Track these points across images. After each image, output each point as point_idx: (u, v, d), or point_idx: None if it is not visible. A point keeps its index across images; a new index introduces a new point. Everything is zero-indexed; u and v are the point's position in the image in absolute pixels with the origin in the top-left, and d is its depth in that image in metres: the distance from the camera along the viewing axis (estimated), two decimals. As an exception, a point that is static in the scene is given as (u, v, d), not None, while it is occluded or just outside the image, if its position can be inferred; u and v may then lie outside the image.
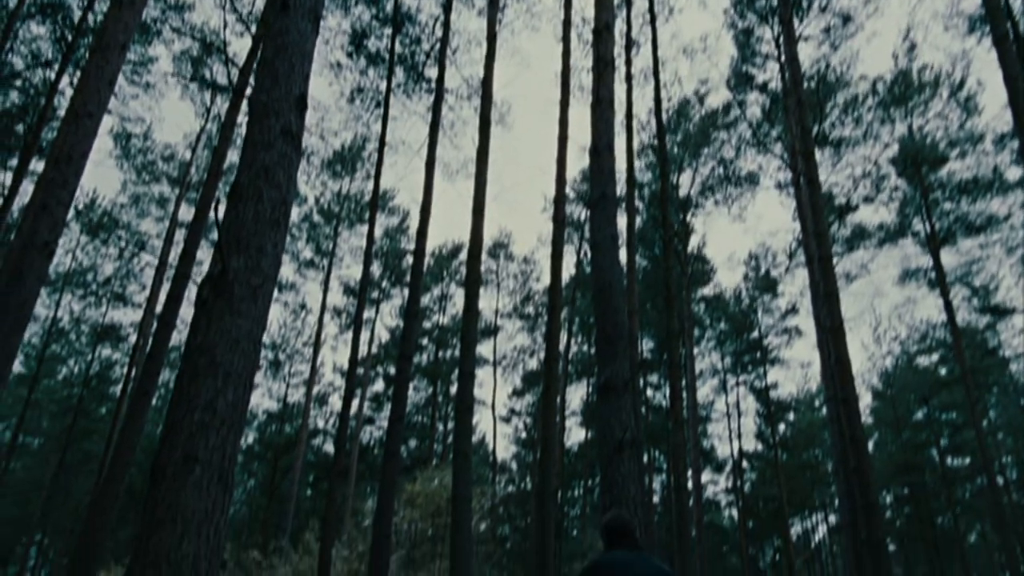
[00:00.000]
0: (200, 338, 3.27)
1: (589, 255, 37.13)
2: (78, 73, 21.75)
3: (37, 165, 24.24)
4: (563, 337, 33.11)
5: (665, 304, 13.26)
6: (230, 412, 3.18)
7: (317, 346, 32.19)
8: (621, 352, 6.62)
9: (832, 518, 45.43)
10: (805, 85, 20.96)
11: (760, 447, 43.74)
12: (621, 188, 24.29)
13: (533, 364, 40.56)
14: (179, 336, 36.97)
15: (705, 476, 44.32)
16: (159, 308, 26.58)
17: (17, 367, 39.38)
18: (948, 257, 40.28)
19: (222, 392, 3.18)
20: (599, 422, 6.38)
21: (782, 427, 43.19)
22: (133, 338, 36.56)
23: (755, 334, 40.31)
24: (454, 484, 11.60)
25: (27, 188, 29.75)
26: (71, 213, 33.16)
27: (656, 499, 40.32)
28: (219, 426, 3.11)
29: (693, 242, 34.30)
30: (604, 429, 6.26)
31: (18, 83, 23.05)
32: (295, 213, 35.99)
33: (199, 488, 2.98)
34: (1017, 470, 41.53)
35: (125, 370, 36.09)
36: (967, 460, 40.91)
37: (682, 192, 31.16)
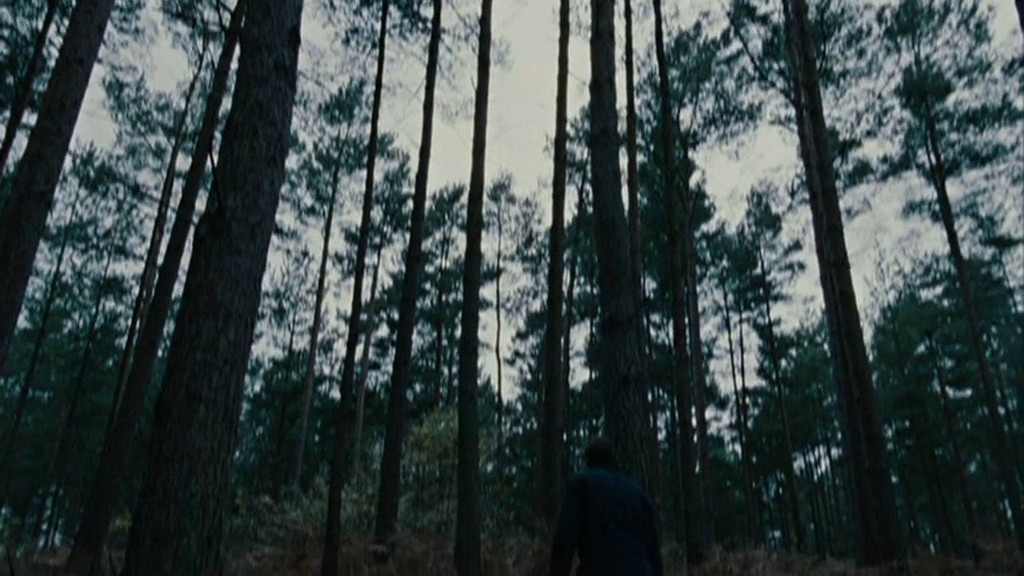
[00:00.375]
0: (199, 278, 3.23)
1: (591, 194, 36.88)
2: (66, 21, 21.30)
3: (30, 118, 23.90)
4: (566, 278, 33.11)
5: (668, 241, 13.18)
6: (232, 351, 3.15)
7: (320, 293, 32.23)
8: (625, 287, 6.58)
9: (834, 452, 46.05)
10: (808, 15, 20.50)
11: (763, 383, 44.10)
12: (621, 125, 23.96)
13: (536, 306, 40.68)
14: (181, 287, 37.02)
15: (708, 413, 44.82)
16: (160, 260, 26.51)
17: (23, 322, 39.55)
18: (952, 189, 39.85)
19: (223, 332, 3.15)
20: (604, 357, 6.37)
21: (784, 363, 43.47)
22: (136, 290, 36.62)
23: (757, 271, 40.29)
24: (460, 425, 11.69)
25: (21, 142, 29.43)
26: (69, 166, 32.92)
27: (660, 436, 40.85)
28: (222, 365, 3.09)
29: (694, 179, 34.03)
30: (609, 364, 6.25)
31: (5, 33, 22.61)
32: (294, 160, 35.68)
33: (204, 427, 2.97)
34: (1018, 400, 41.90)
35: (129, 322, 36.30)
36: (968, 392, 41.25)
37: (683, 128, 30.77)
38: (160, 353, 26.75)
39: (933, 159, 28.42)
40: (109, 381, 38.42)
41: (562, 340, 30.62)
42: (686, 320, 24.65)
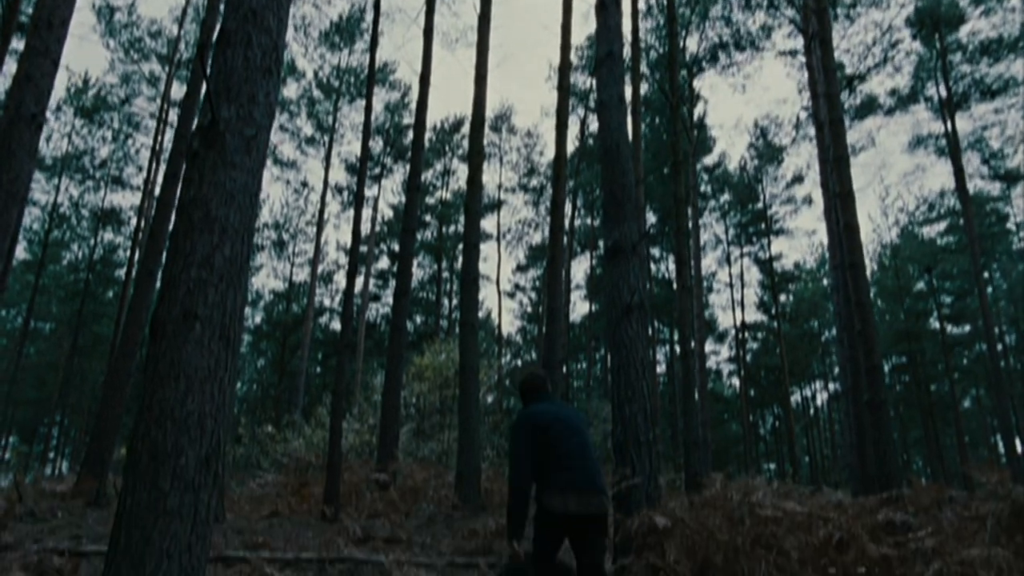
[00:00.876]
0: (193, 192, 3.09)
1: (594, 123, 36.31)
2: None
3: (19, 44, 23.31)
4: (567, 209, 32.85)
5: (672, 170, 12.96)
6: (228, 268, 3.03)
7: (320, 224, 32.02)
8: (629, 213, 6.44)
9: (831, 386, 46.51)
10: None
11: (762, 317, 44.23)
12: (626, 52, 23.39)
13: (537, 238, 40.51)
14: (181, 218, 36.69)
15: (708, 346, 45.07)
16: (157, 190, 26.23)
17: (22, 253, 39.43)
18: (960, 123, 39.23)
19: (219, 248, 3.03)
20: (607, 285, 6.28)
21: (784, 298, 43.52)
22: (134, 221, 36.36)
23: (759, 205, 40.02)
24: (461, 355, 11.69)
25: (10, 69, 28.78)
26: (63, 95, 32.33)
27: (659, 369, 41.19)
28: (217, 282, 2.98)
29: (697, 111, 33.44)
30: (612, 292, 6.16)
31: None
32: (293, 89, 35.01)
33: (200, 345, 2.88)
34: (1015, 336, 42.11)
35: (128, 253, 36.16)
36: (966, 328, 41.43)
37: (688, 55, 30.08)
38: (159, 284, 26.77)
39: (943, 92, 27.89)
40: (110, 312, 38.51)
41: (563, 272, 30.56)
42: (688, 251, 24.54)
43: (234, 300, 3.06)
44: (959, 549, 6.07)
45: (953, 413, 40.50)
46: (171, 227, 3.08)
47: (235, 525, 8.11)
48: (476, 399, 11.47)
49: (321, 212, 32.23)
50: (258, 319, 41.69)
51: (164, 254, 15.75)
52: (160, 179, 26.30)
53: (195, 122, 14.70)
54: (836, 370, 43.85)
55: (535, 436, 4.10)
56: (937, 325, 40.67)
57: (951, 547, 6.07)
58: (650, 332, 38.10)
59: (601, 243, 38.90)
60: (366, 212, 35.76)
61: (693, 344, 23.88)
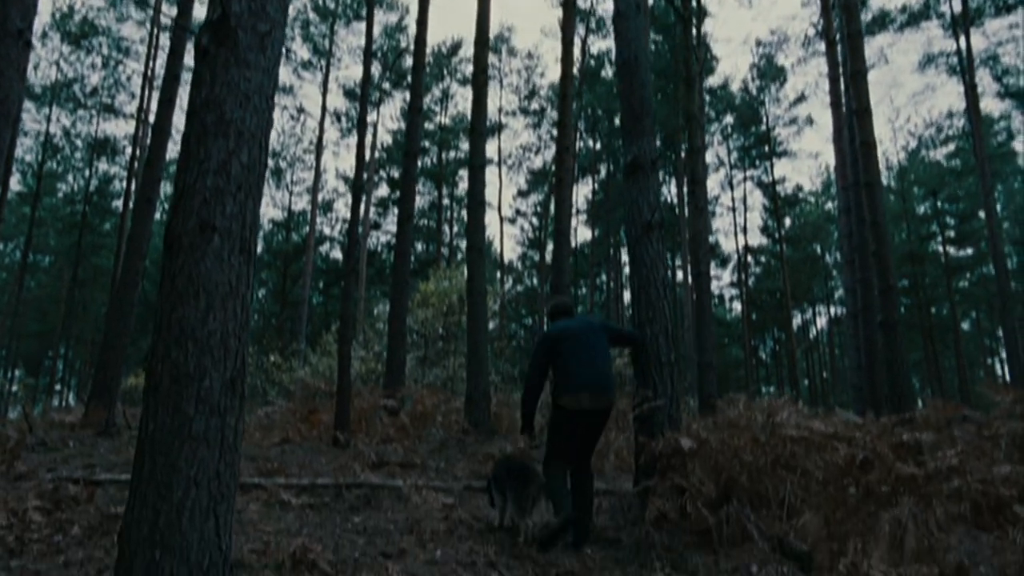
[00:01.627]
0: (205, 93, 2.82)
1: (597, 43, 35.33)
2: None
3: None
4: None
5: (685, 85, 12.57)
6: (246, 176, 2.80)
7: (319, 152, 31.49)
8: (648, 128, 6.17)
9: (832, 309, 46.59)
10: None
11: (765, 241, 44.02)
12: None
13: (539, 162, 39.92)
14: (176, 144, 36.13)
15: (711, 271, 44.94)
16: (151, 118, 25.63)
17: (16, 184, 38.88)
18: (973, 39, 38.20)
19: (235, 154, 2.79)
20: (626, 203, 6.06)
21: (788, 221, 43.21)
22: (129, 151, 35.75)
23: (762, 127, 39.36)
24: (468, 279, 11.54)
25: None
26: (48, 20, 31.34)
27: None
28: (235, 191, 2.75)
29: (704, 28, 32.44)
30: (632, 210, 5.95)
31: None
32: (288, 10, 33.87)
33: (220, 259, 2.69)
34: (1017, 259, 42.00)
35: (125, 183, 35.64)
36: (968, 251, 41.28)
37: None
38: (158, 216, 26.18)
39: (957, 7, 26.99)
40: (109, 244, 38.24)
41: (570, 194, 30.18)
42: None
43: (254, 211, 2.84)
44: (980, 467, 6.03)
45: (953, 335, 40.70)
46: (183, 132, 2.84)
47: (247, 452, 8.07)
48: (485, 323, 11.38)
49: (319, 139, 31.64)
50: (258, 249, 41.42)
51: (161, 183, 15.43)
52: (154, 106, 25.69)
53: (187, 47, 14.17)
54: (837, 293, 43.88)
55: (550, 347, 5.00)
56: (940, 248, 40.53)
57: (972, 465, 6.02)
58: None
59: (603, 167, 38.38)
60: (366, 138, 35.10)
61: (708, 271, 23.72)
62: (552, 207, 18.89)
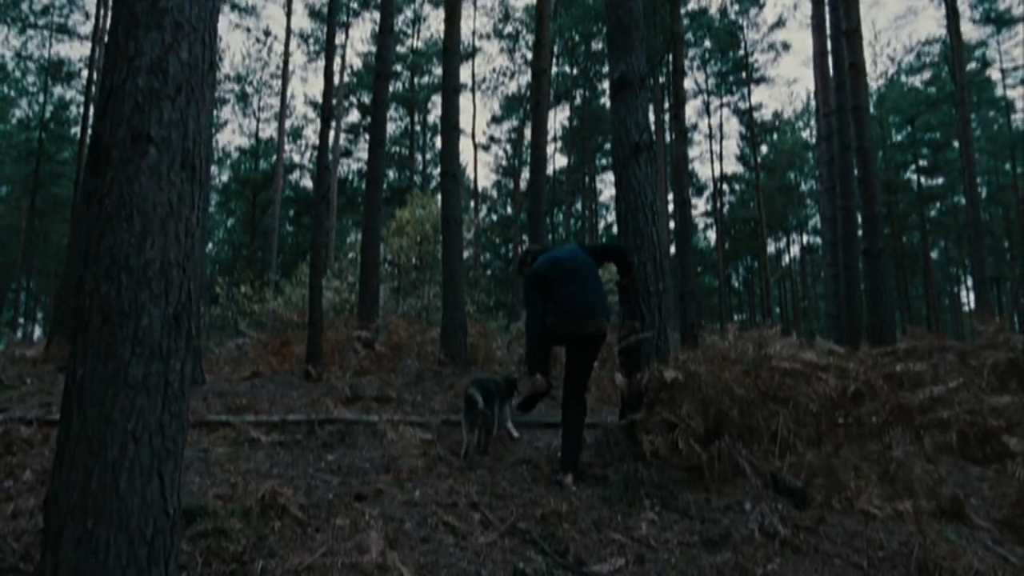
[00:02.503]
0: (131, -29, 2.36)
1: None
2: None
3: None
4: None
5: (670, 2, 12.02)
6: (188, 76, 2.36)
7: (285, 76, 30.35)
8: (636, 42, 5.76)
9: (806, 238, 46.75)
10: None
11: (741, 169, 43.75)
12: None
13: (513, 87, 38.95)
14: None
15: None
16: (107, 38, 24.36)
17: (-35, 110, 37.26)
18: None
19: (173, 49, 2.38)
20: (613, 123, 5.69)
21: (764, 149, 42.89)
22: (85, 74, 34.22)
23: (740, 52, 38.63)
24: (443, 205, 11.14)
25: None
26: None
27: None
28: (174, 95, 2.34)
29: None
30: (618, 131, 5.58)
31: None
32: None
33: (157, 176, 2.31)
34: (987, 189, 42.21)
35: (82, 109, 34.27)
36: (940, 180, 41.40)
37: None
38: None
39: (943, -76, 26.25)
40: (68, 172, 36.98)
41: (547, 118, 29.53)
42: (667, 104, 23.56)
43: (197, 119, 2.40)
44: (968, 398, 5.91)
45: (922, 264, 41.14)
46: (110, 22, 2.39)
47: (215, 388, 7.78)
48: (460, 252, 11.04)
49: (285, 63, 30.46)
50: (225, 177, 40.37)
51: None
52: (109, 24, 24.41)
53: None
54: (812, 221, 43.96)
55: (540, 281, 4.80)
56: (913, 177, 40.57)
57: (960, 396, 5.90)
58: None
59: (579, 93, 37.57)
60: (335, 62, 33.88)
61: (671, 196, 23.39)
62: (528, 133, 18.38)
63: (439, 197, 26.40)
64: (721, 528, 3.83)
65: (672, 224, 25.42)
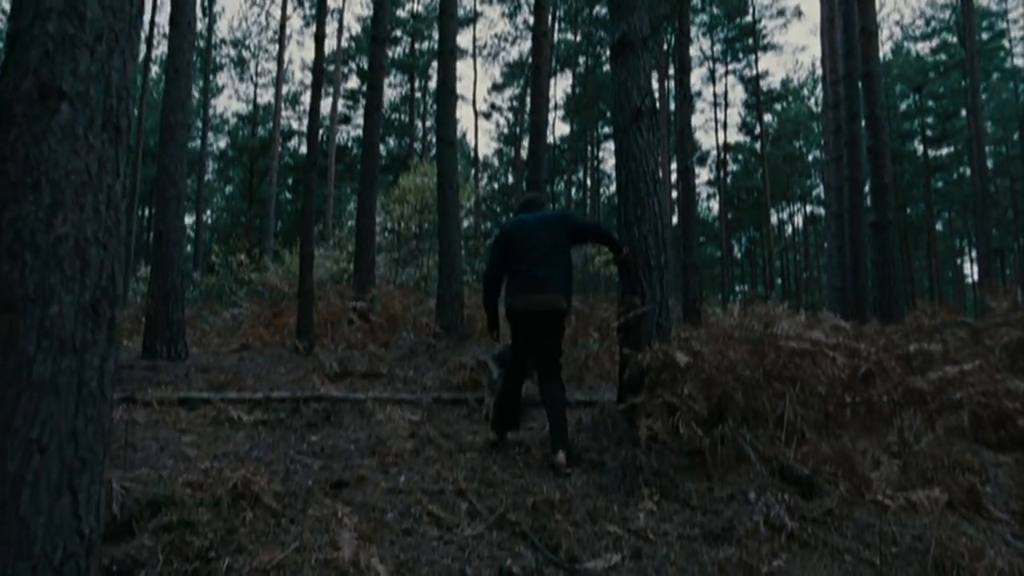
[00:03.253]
0: None
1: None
2: None
3: None
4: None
5: (676, -37, 11.56)
6: (111, 21, 1.99)
7: (282, 41, 29.79)
8: (639, 2, 5.41)
9: (810, 209, 46.29)
10: None
11: (745, 138, 43.19)
12: None
13: (515, 53, 38.31)
14: None
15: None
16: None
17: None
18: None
19: (92, -15, 2.01)
20: (614, 87, 5.37)
21: (769, 117, 42.28)
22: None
23: (748, 18, 37.93)
24: (439, 173, 10.82)
25: None
26: None
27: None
28: (93, 43, 2.00)
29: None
30: (619, 94, 5.26)
31: None
32: None
33: (72, 136, 1.95)
34: (994, 160, 41.65)
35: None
36: (946, 150, 40.85)
37: None
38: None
39: None
40: None
41: (548, 84, 29.02)
42: (671, 70, 23.06)
43: (123, 71, 2.06)
44: (983, 379, 5.65)
45: (927, 236, 40.73)
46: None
47: (200, 362, 7.53)
48: (457, 221, 10.75)
49: (282, 27, 29.86)
50: (223, 144, 39.85)
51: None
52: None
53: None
54: (817, 191, 43.48)
55: (503, 242, 4.79)
56: (919, 147, 40.03)
57: (975, 377, 5.64)
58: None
59: (582, 60, 36.92)
60: (331, 27, 33.29)
61: (673, 165, 22.96)
62: (528, 100, 17.94)
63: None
64: (724, 520, 3.60)
65: (675, 194, 25.04)
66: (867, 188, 11.67)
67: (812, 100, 42.78)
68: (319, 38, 9.27)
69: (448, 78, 11.00)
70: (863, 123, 11.39)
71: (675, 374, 4.44)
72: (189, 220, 30.17)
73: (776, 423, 4.45)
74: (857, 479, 4.03)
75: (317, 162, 8.87)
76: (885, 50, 41.05)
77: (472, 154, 37.73)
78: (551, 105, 32.74)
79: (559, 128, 46.74)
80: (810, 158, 43.41)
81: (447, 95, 10.90)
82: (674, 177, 26.99)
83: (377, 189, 13.38)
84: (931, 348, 5.56)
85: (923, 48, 39.94)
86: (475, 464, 4.44)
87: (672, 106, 27.89)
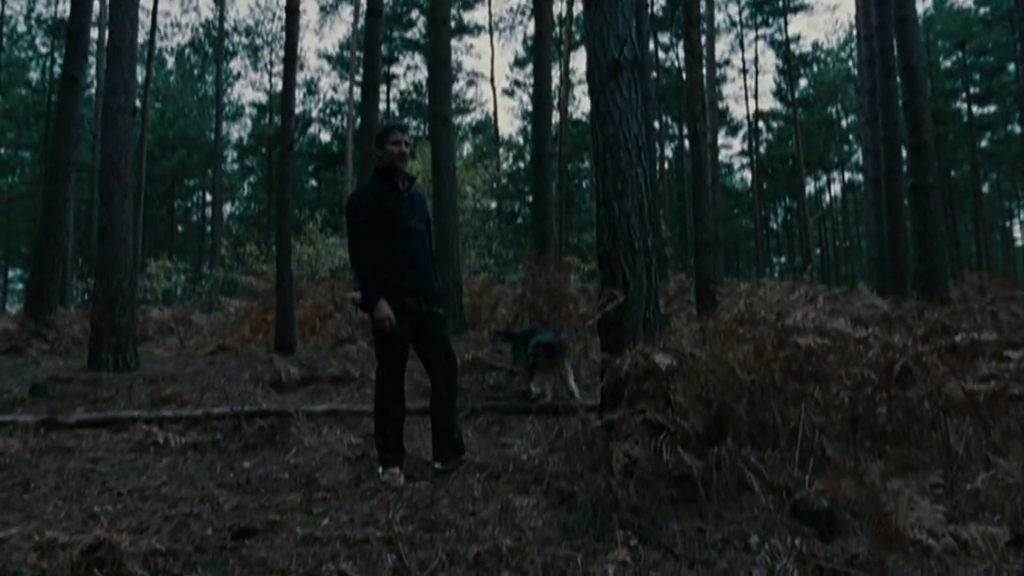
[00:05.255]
0: None
1: None
2: None
3: None
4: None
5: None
6: None
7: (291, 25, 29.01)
8: (618, -66, 4.52)
9: (847, 176, 44.55)
10: None
11: (778, 105, 41.58)
12: None
13: (532, 28, 37.12)
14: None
15: (719, 139, 42.76)
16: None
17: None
18: None
19: None
20: (588, 37, 4.52)
21: (803, 83, 40.58)
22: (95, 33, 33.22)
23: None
24: (434, 153, 10.05)
25: None
26: None
27: (666, 167, 39.16)
28: None
29: None
30: (595, 45, 4.41)
31: None
32: None
33: None
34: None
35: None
36: (993, 108, 38.88)
37: None
38: (89, 92, 23.58)
39: None
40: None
41: (561, 62, 28.02)
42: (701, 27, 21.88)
43: None
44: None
45: (973, 199, 38.86)
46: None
47: (151, 372, 6.82)
48: (453, 203, 9.98)
49: (291, 10, 29.07)
50: (244, 134, 39.45)
51: (86, 59, 13.70)
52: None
53: None
54: (855, 157, 41.77)
55: (362, 216, 4.08)
56: (963, 106, 38.13)
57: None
58: (656, 127, 35.73)
59: None
60: (347, 9, 32.52)
61: (707, 132, 21.82)
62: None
63: (456, 143, 25.14)
64: (716, 574, 2.80)
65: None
66: (905, 150, 10.61)
67: (849, 62, 41.01)
68: (291, 8, 8.52)
69: (441, 49, 10.18)
70: (899, 79, 10.34)
71: (661, 383, 3.62)
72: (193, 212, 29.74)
73: (789, 440, 3.61)
74: (891, 511, 3.17)
75: (293, 145, 8.14)
76: (927, 4, 39.11)
77: (494, 131, 36.78)
78: (575, 79, 31.61)
79: (586, 104, 45.49)
80: (846, 123, 41.64)
81: (440, 67, 10.09)
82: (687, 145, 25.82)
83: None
84: (982, 337, 4.62)
85: (967, 1, 37.93)
86: (421, 498, 3.68)
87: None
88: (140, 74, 26.25)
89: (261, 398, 5.47)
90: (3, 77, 30.76)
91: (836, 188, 47.86)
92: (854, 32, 34.54)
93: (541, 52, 11.36)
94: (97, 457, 4.35)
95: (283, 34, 32.83)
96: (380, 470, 3.97)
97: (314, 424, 4.89)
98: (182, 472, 4.14)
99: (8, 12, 30.92)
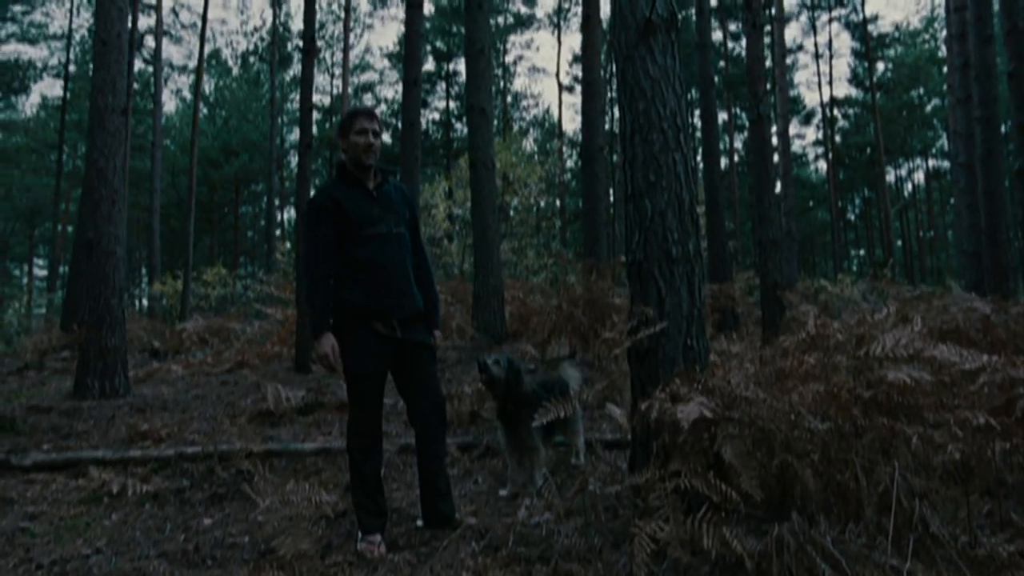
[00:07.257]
0: None
1: None
2: None
3: None
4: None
5: None
6: None
7: (347, 26, 28.84)
8: None
9: (932, 163, 41.99)
10: None
11: (854, 91, 39.42)
12: None
13: (581, 11, 36.10)
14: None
15: (792, 128, 40.83)
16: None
17: None
18: None
19: None
20: (612, -7, 3.66)
21: (881, 66, 38.33)
22: (152, 42, 33.69)
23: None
24: (471, 147, 9.28)
25: None
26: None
27: (734, 160, 37.49)
28: None
29: None
30: (620, 1, 3.55)
31: None
32: None
33: None
34: None
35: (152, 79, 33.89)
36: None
37: None
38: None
39: None
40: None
41: (600, 35, 27.01)
42: (769, 15, 20.64)
43: None
44: None
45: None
46: None
47: (143, 399, 6.20)
48: (492, 203, 9.20)
49: (347, 11, 28.87)
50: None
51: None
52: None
53: None
54: (939, 143, 39.27)
55: (329, 220, 3.38)
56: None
57: None
58: (724, 118, 34.16)
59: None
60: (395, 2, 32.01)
61: (773, 115, 20.48)
62: (612, 68, 16.10)
63: (516, 140, 24.39)
64: None
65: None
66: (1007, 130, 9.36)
67: (934, 41, 38.59)
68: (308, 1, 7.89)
69: (477, 36, 9.40)
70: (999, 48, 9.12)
71: (701, 435, 2.74)
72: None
73: (877, 510, 2.68)
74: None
75: (311, 143, 7.48)
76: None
77: (557, 128, 35.90)
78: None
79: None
80: (930, 108, 39.14)
81: (475, 55, 9.31)
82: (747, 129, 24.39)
83: (418, 169, 11.93)
84: None
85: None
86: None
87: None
88: (189, 79, 26.36)
89: (253, 433, 4.78)
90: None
91: (919, 176, 45.29)
92: (939, 7, 32.38)
93: (589, 36, 10.50)
94: (37, 512, 3.72)
95: (342, 36, 32.40)
96: (359, 535, 3.21)
97: (294, 468, 4.17)
98: (126, 534, 3.46)
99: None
